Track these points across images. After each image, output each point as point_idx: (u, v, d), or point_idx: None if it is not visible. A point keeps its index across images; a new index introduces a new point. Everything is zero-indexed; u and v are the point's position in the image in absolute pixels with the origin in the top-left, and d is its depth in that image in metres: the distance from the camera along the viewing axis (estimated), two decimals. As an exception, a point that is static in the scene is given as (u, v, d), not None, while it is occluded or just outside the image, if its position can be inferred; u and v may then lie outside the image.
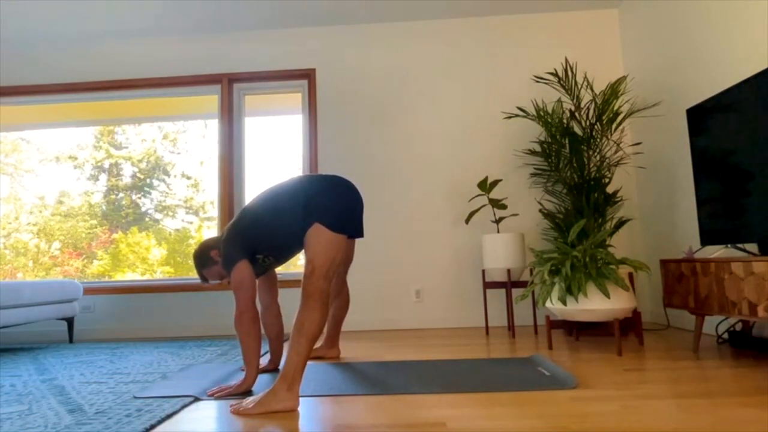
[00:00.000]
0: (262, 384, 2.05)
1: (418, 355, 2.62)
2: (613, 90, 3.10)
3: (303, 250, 1.91)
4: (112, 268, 4.20)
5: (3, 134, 4.32)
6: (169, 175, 4.33)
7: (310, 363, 2.49)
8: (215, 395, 1.88)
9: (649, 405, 1.59)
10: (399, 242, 3.85)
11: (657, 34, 3.41)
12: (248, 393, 1.89)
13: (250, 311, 1.91)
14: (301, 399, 1.82)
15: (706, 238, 2.46)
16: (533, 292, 3.13)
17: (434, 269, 3.81)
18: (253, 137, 4.20)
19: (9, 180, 4.32)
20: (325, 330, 2.67)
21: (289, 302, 3.77)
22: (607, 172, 3.23)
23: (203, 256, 2.13)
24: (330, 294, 1.83)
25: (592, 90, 3.23)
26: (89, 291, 3.93)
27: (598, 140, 3.18)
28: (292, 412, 1.65)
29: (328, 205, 1.87)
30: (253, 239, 2.00)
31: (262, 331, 3.46)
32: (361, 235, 2.23)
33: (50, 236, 4.28)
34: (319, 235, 1.81)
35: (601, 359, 2.33)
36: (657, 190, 3.48)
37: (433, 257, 3.82)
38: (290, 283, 3.81)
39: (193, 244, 4.25)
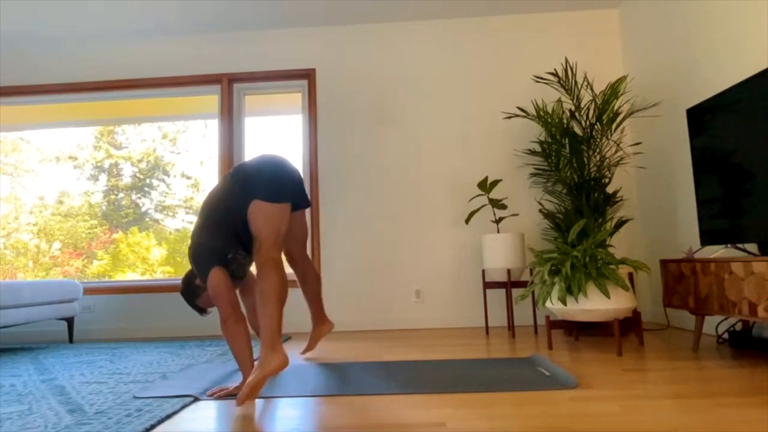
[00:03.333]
0: (262, 384, 2.05)
1: (418, 355, 2.62)
2: (613, 90, 3.10)
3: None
4: (112, 268, 4.20)
5: (3, 134, 4.32)
6: (168, 175, 4.33)
7: (308, 364, 2.49)
8: (215, 395, 1.88)
9: (649, 405, 1.59)
10: (399, 242, 3.85)
11: (657, 34, 3.41)
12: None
13: (233, 316, 1.93)
14: (301, 399, 1.82)
15: (706, 238, 2.46)
16: (533, 292, 3.13)
17: (434, 269, 3.81)
18: (253, 137, 4.20)
19: (9, 180, 4.32)
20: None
21: (292, 300, 3.77)
22: (607, 172, 3.23)
23: (190, 288, 2.16)
24: (282, 263, 1.96)
25: (592, 90, 3.23)
26: (89, 291, 3.93)
27: (598, 140, 3.18)
28: (284, 368, 1.79)
29: (260, 180, 1.99)
30: (217, 243, 2.01)
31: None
32: (306, 204, 2.28)
33: (50, 236, 4.29)
34: (258, 210, 1.94)
35: (601, 359, 2.33)
36: (657, 190, 3.48)
37: (433, 257, 3.82)
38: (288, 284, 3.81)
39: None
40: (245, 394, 1.72)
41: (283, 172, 2.07)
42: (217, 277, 1.95)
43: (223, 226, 2.02)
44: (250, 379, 1.75)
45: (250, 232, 2.08)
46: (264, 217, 1.92)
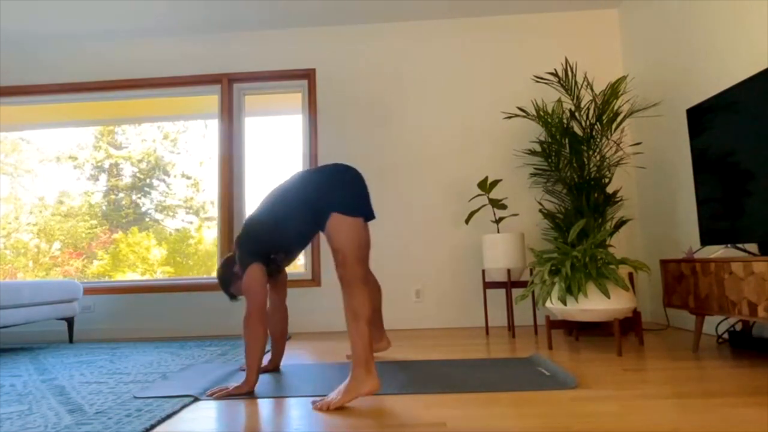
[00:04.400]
0: (262, 383, 2.05)
1: (418, 355, 2.62)
2: (613, 90, 3.10)
3: (328, 242, 1.92)
4: (112, 268, 4.20)
5: (3, 134, 4.32)
6: (169, 175, 4.33)
7: (309, 364, 2.49)
8: (215, 395, 1.88)
9: (649, 405, 1.59)
10: (399, 242, 3.84)
11: (657, 34, 3.41)
12: (249, 394, 1.90)
13: (259, 314, 1.93)
14: (301, 399, 1.82)
15: (706, 238, 2.46)
16: (533, 292, 3.13)
17: (434, 269, 3.81)
18: (253, 137, 4.20)
19: (9, 180, 4.32)
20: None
21: (292, 301, 3.78)
22: (607, 172, 3.23)
23: (227, 274, 2.17)
24: (367, 279, 1.84)
25: (592, 90, 3.23)
26: (89, 291, 3.93)
27: (598, 140, 3.18)
28: (375, 392, 1.73)
29: (339, 194, 1.90)
30: (266, 243, 2.02)
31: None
32: (372, 216, 2.18)
33: (50, 236, 4.28)
34: (339, 223, 1.85)
35: (601, 359, 2.33)
36: (657, 190, 3.48)
37: (433, 257, 3.82)
38: (290, 283, 3.82)
39: (193, 244, 4.25)
40: (333, 405, 1.67)
41: (360, 186, 2.00)
42: (255, 272, 1.96)
43: (281, 227, 2.00)
44: (342, 398, 1.69)
45: (299, 244, 2.08)
46: (347, 230, 1.85)
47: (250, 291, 1.95)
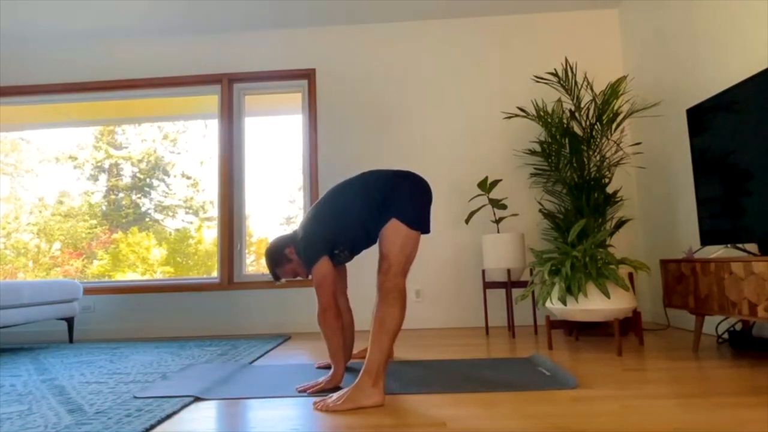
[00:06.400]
0: (262, 383, 2.05)
1: (418, 355, 2.62)
2: (613, 90, 3.10)
3: (377, 245, 1.89)
4: (112, 268, 4.20)
5: (3, 134, 4.32)
6: (169, 175, 4.33)
7: (308, 364, 2.49)
8: (307, 391, 1.88)
9: (649, 405, 1.59)
10: (399, 242, 3.84)
11: (657, 34, 3.41)
12: (337, 388, 1.89)
13: (333, 308, 1.94)
14: (300, 399, 1.82)
15: (706, 238, 2.46)
16: (533, 292, 3.12)
17: (434, 269, 3.81)
18: (253, 137, 4.20)
19: (9, 180, 4.32)
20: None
21: (292, 300, 3.78)
22: (607, 172, 3.23)
23: (277, 255, 2.13)
24: (404, 291, 1.81)
25: (592, 90, 3.23)
26: (89, 291, 3.93)
27: (598, 140, 3.18)
28: (380, 407, 1.67)
29: (406, 202, 1.88)
30: (332, 235, 2.00)
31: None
32: (428, 231, 2.09)
33: (50, 236, 4.28)
34: (396, 230, 1.83)
35: (601, 359, 2.33)
36: (657, 190, 3.48)
37: (433, 257, 3.82)
38: (288, 283, 3.81)
39: (193, 244, 4.25)
40: (331, 408, 1.65)
41: (427, 201, 1.99)
42: (326, 267, 1.94)
43: (348, 226, 2.00)
44: (342, 404, 1.65)
45: (365, 241, 2.05)
46: (401, 239, 1.81)
47: (323, 285, 1.93)
